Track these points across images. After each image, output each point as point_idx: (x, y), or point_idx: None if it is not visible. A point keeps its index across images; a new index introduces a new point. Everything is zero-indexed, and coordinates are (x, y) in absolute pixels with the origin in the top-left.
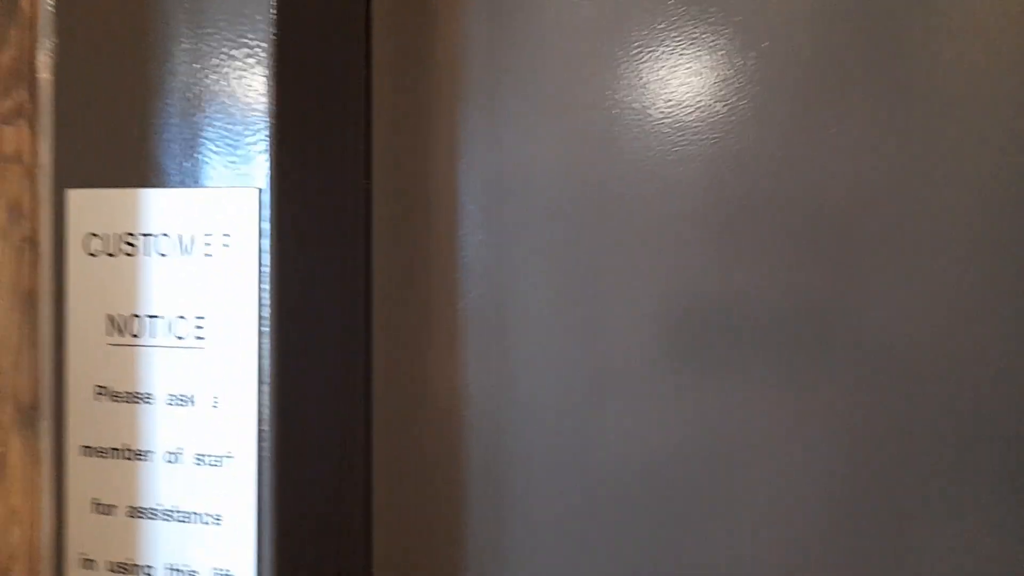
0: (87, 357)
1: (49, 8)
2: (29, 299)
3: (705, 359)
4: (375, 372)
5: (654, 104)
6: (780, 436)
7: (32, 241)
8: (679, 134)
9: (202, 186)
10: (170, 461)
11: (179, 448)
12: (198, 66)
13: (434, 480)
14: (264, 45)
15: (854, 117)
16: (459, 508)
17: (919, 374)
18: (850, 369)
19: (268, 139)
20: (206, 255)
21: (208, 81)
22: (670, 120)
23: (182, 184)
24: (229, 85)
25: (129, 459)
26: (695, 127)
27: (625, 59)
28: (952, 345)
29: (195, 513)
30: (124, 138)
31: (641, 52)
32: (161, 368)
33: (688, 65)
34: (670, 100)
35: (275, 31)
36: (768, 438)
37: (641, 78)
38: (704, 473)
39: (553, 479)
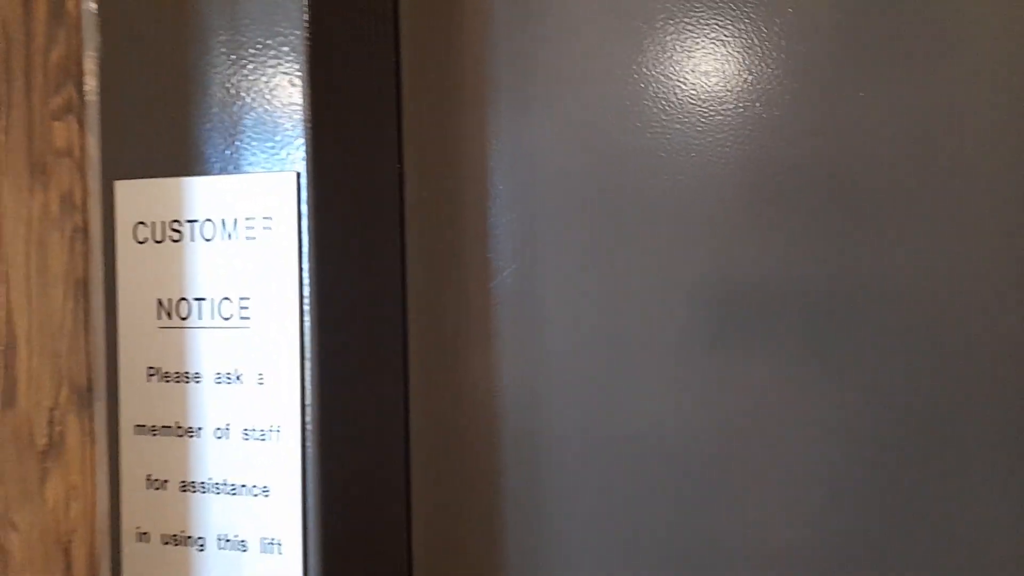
0: (138, 340)
1: (92, 9)
2: (82, 286)
3: (735, 334)
4: (411, 349)
5: (680, 75)
6: (808, 412)
7: (84, 231)
8: (706, 104)
9: (243, 172)
10: (219, 437)
11: (227, 424)
12: (235, 57)
13: (471, 452)
14: (297, 33)
15: (886, 80)
16: (496, 481)
17: (953, 350)
18: (881, 345)
19: (304, 124)
20: (248, 238)
21: (245, 71)
22: (696, 91)
23: (223, 171)
24: (265, 74)
25: (180, 436)
26: (721, 96)
27: (650, 31)
28: (989, 321)
29: (244, 485)
30: (167, 129)
31: (665, 23)
32: (208, 348)
33: (713, 34)
34: (695, 70)
35: (307, 18)
36: (795, 413)
37: (666, 50)
38: (734, 448)
39: (585, 450)
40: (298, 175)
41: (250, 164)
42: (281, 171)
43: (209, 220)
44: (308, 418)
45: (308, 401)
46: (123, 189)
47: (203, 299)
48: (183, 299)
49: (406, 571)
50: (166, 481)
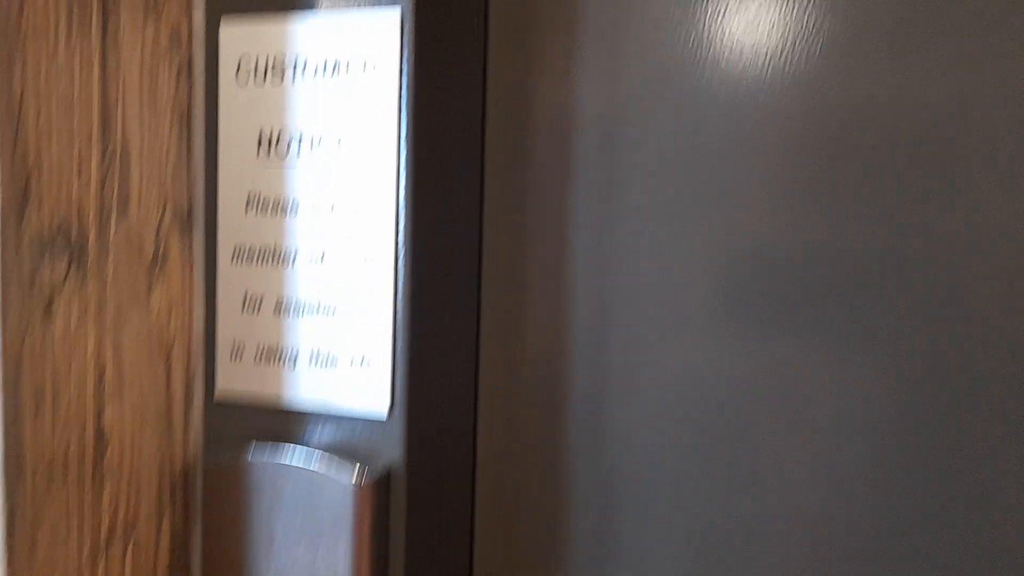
0: (238, 172)
1: None
2: (186, 120)
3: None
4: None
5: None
6: (843, 383)
7: (189, 66)
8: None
9: (347, 9)
10: (313, 262)
11: (322, 250)
12: None
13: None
14: None
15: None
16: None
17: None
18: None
19: None
20: (349, 76)
21: None
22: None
23: (328, 8)
24: None
25: (276, 262)
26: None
27: None
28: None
29: (337, 307)
30: None
31: None
32: (305, 181)
33: None
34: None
35: None
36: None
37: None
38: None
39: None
40: (401, 12)
41: (355, 2)
42: (386, 6)
43: (311, 58)
44: (400, 243)
45: (401, 227)
46: (227, 26)
47: (302, 135)
48: (282, 135)
49: (472, 414)
50: (261, 299)
